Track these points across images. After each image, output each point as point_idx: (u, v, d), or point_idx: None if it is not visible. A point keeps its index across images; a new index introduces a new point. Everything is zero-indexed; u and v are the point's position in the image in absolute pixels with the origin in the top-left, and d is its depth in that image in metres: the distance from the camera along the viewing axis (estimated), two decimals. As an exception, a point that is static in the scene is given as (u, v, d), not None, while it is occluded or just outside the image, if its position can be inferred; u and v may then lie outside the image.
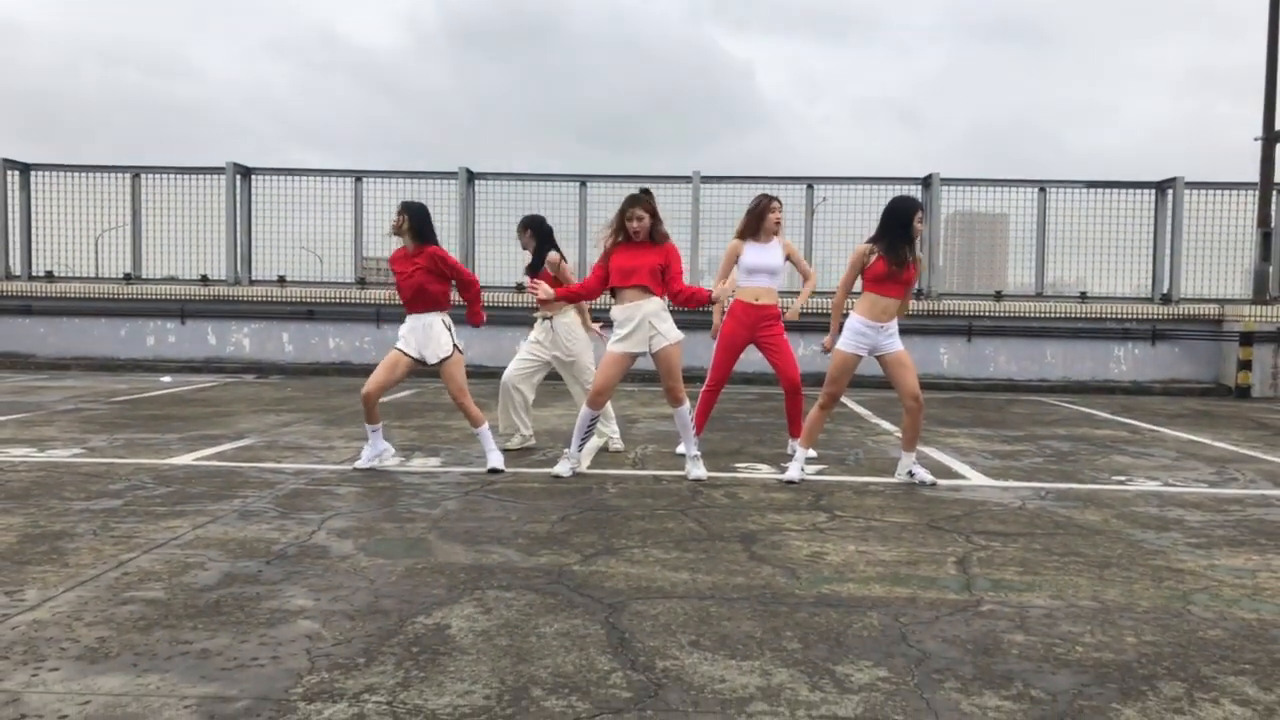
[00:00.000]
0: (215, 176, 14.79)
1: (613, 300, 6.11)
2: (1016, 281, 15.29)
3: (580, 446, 6.15)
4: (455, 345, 6.28)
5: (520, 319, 13.72)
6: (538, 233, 7.39)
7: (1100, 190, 14.59)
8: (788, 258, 7.09)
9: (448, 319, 6.31)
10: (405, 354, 6.21)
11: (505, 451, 6.96)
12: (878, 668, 2.99)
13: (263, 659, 2.97)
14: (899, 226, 5.96)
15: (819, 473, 6.44)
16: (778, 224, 6.99)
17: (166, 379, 12.87)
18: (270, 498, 5.35)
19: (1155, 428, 9.48)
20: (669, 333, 6.00)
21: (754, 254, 6.94)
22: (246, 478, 5.94)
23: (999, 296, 14.30)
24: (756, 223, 6.95)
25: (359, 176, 14.90)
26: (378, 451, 6.34)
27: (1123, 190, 14.54)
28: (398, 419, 8.90)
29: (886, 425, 9.25)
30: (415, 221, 6.23)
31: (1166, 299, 14.21)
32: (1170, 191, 14.26)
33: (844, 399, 11.72)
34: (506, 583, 3.81)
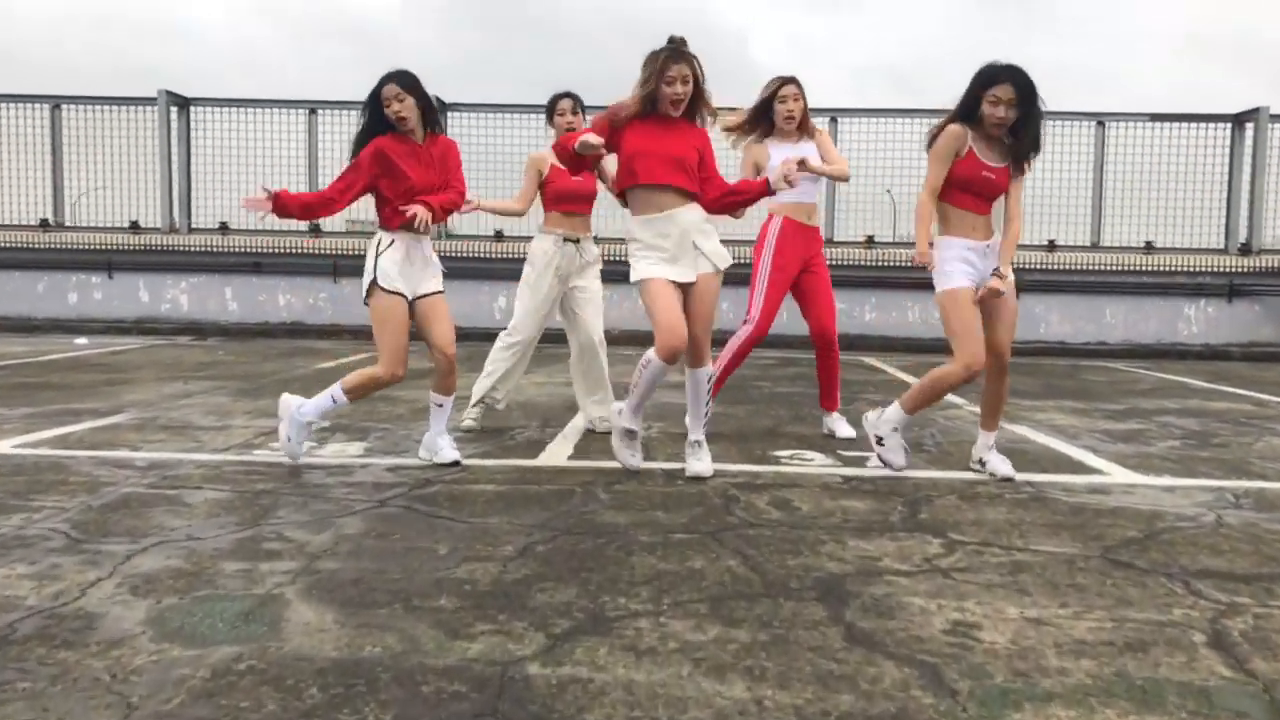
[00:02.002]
0: (147, 108, 12.77)
1: (623, 207, 4.22)
2: (1062, 236, 13.38)
3: (638, 408, 4.28)
4: None
5: (500, 272, 11.83)
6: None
7: (1167, 125, 12.65)
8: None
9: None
10: (404, 295, 4.27)
11: (469, 433, 5.15)
12: None
13: None
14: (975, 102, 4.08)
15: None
16: (789, 118, 5.16)
17: (81, 340, 10.95)
18: (78, 509, 3.48)
19: None
20: (716, 253, 4.10)
21: (781, 154, 5.07)
22: (71, 473, 4.06)
23: (1052, 246, 12.41)
24: (764, 114, 5.19)
25: (313, 108, 12.88)
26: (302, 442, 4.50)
27: (1193, 125, 12.61)
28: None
29: (952, 397, 7.37)
30: (423, 99, 4.26)
31: (1245, 249, 12.31)
32: (1250, 125, 12.31)
33: (880, 365, 9.88)
34: (394, 712, 1.95)
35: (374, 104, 4.21)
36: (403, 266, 4.22)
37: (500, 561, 2.94)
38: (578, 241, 5.19)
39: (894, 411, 4.35)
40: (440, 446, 4.41)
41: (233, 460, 4.41)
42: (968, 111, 4.11)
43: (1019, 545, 3.25)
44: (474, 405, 5.33)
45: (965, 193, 4.14)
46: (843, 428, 5.30)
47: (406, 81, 4.19)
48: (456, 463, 4.36)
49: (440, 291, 4.33)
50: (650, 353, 4.06)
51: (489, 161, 12.54)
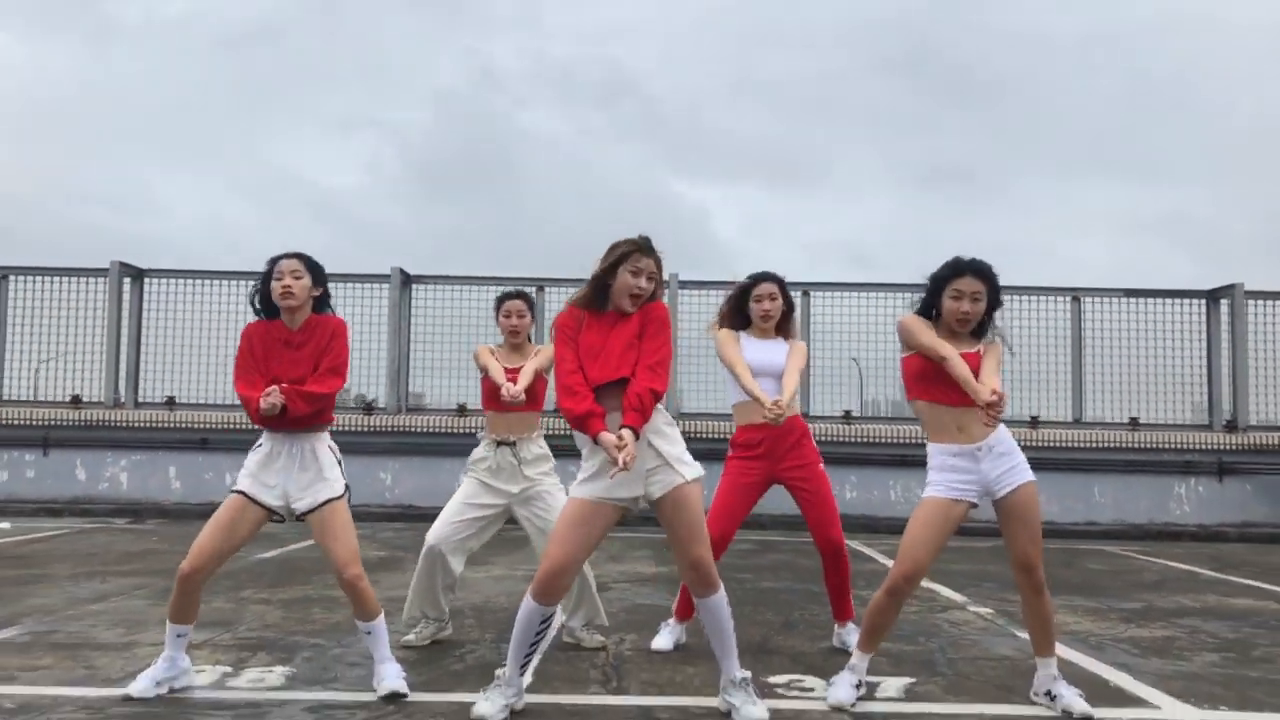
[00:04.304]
0: (98, 279, 12.35)
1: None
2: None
3: (523, 669, 3.61)
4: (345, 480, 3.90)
5: (464, 448, 11.24)
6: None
7: (1141, 300, 12.57)
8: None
9: (332, 442, 3.94)
10: (256, 501, 3.78)
11: (407, 649, 4.46)
12: None
13: None
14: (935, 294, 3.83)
15: (907, 693, 3.94)
16: (765, 317, 4.68)
17: (3, 525, 10.12)
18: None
19: (1301, 593, 7.06)
20: (683, 463, 3.53)
21: (754, 350, 4.63)
22: (-86, 723, 3.33)
23: (1035, 423, 12.04)
24: (740, 309, 4.78)
25: (273, 280, 12.52)
26: (174, 673, 3.79)
27: (1168, 300, 12.53)
28: (269, 586, 6.27)
29: (948, 593, 6.76)
30: (318, 275, 3.95)
31: (1231, 426, 12.01)
32: (1226, 302, 12.25)
33: (866, 549, 9.25)
34: None
35: (265, 279, 3.88)
36: (263, 467, 3.81)
37: None
38: (513, 444, 4.65)
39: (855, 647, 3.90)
40: (382, 676, 3.78)
41: (114, 695, 3.68)
42: (927, 311, 3.81)
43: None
44: (407, 622, 4.68)
45: (935, 384, 3.70)
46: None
47: (309, 260, 3.91)
48: (396, 696, 3.68)
49: (331, 500, 3.78)
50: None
51: (454, 333, 12.24)
